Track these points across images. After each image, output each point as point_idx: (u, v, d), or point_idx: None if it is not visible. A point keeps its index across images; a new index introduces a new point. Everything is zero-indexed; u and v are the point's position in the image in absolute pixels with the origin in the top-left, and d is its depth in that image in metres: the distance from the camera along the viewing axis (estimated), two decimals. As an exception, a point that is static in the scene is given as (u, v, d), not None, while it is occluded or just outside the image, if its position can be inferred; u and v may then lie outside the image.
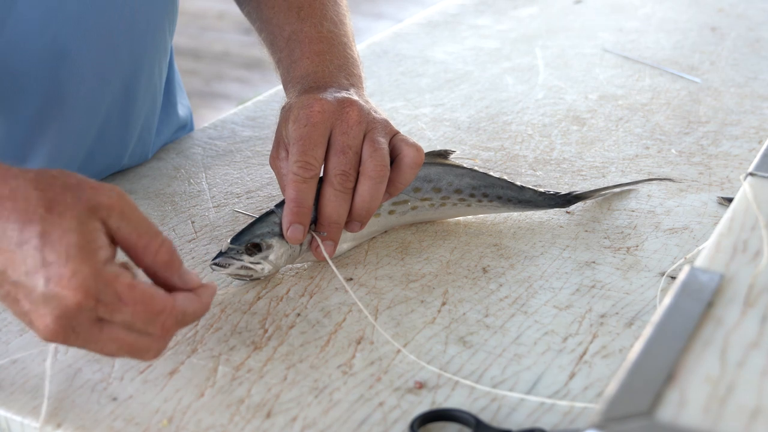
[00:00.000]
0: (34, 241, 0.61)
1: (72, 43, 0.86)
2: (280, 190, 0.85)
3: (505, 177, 0.89)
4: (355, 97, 0.83)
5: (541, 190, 0.90)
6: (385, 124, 0.83)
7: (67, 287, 0.60)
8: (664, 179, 0.96)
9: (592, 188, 0.94)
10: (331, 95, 0.82)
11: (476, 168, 0.89)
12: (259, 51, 1.00)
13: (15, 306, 0.63)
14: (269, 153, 0.86)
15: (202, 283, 0.67)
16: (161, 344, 0.64)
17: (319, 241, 0.80)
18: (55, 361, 0.72)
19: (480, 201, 0.88)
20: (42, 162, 0.90)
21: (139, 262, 0.65)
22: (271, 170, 1.00)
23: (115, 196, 0.64)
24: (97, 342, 0.63)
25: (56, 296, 0.60)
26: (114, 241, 0.64)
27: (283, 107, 0.85)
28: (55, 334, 0.61)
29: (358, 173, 0.80)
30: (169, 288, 0.65)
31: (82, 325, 0.61)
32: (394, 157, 0.82)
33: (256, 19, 0.99)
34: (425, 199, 0.87)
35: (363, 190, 0.80)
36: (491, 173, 0.89)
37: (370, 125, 0.81)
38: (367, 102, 0.85)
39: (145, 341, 0.64)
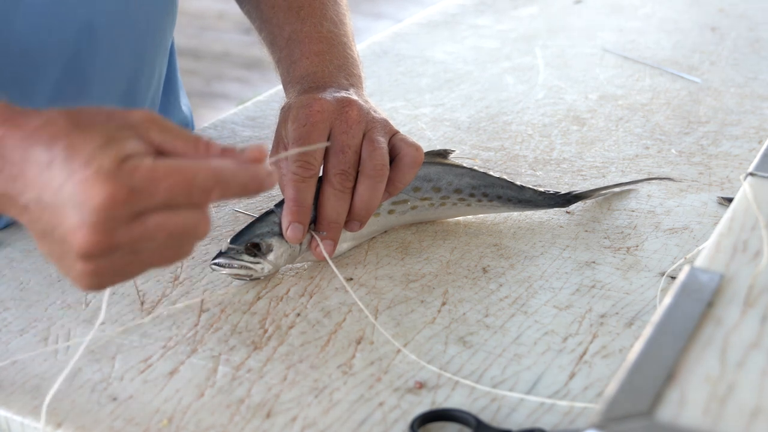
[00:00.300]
0: (61, 154, 0.57)
1: (78, 44, 0.86)
2: (279, 189, 0.86)
3: (505, 177, 0.89)
4: (355, 97, 0.83)
5: (541, 189, 0.90)
6: (385, 124, 0.83)
7: (93, 185, 0.56)
8: (665, 179, 0.96)
9: (592, 188, 0.94)
10: (330, 95, 0.82)
11: (476, 168, 0.89)
12: (259, 50, 1.00)
13: (54, 238, 0.59)
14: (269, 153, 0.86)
15: (260, 151, 0.61)
16: (205, 219, 0.60)
17: (318, 240, 0.80)
18: (55, 361, 0.72)
19: (480, 201, 0.88)
20: None
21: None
22: (271, 170, 1.00)
23: (148, 113, 0.60)
24: (142, 240, 0.58)
25: (86, 199, 0.56)
26: (161, 153, 0.59)
27: (283, 107, 0.85)
28: (96, 243, 0.57)
29: (357, 172, 0.80)
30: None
31: (121, 224, 0.57)
32: (393, 156, 0.82)
33: (256, 18, 0.99)
34: (425, 199, 0.87)
35: (362, 189, 0.80)
36: (491, 173, 0.89)
37: (369, 124, 0.81)
38: (366, 101, 0.85)
39: (192, 216, 0.59)
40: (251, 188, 0.60)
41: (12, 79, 0.85)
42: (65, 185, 0.57)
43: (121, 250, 0.58)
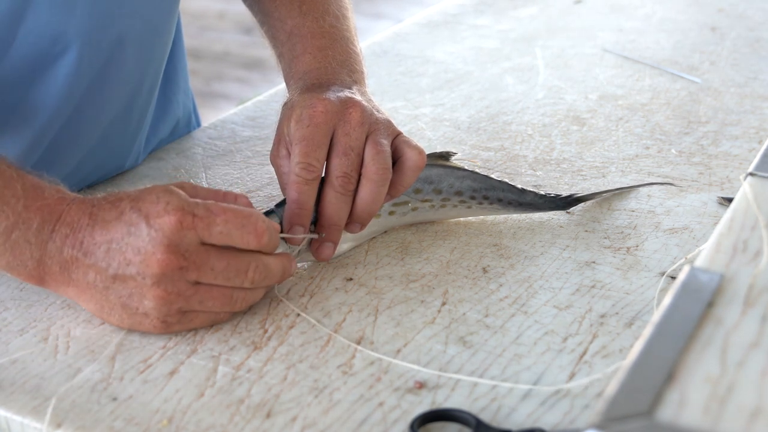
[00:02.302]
0: (129, 205, 0.70)
1: (83, 54, 0.86)
2: (280, 189, 0.85)
3: (506, 179, 0.89)
4: (358, 97, 0.83)
5: (542, 192, 0.90)
6: (388, 125, 0.82)
7: (165, 214, 0.69)
8: (666, 183, 0.96)
9: (593, 188, 0.94)
10: (333, 95, 0.82)
11: (478, 170, 0.89)
12: (259, 50, 1.00)
13: (126, 277, 0.70)
14: (269, 152, 0.86)
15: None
16: (263, 240, 0.72)
17: (307, 239, 0.80)
18: (55, 361, 0.72)
19: (480, 203, 0.88)
20: (40, 165, 0.91)
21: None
22: (271, 170, 1.00)
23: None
24: (205, 264, 0.70)
25: (160, 225, 0.68)
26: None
27: (285, 104, 0.85)
28: (169, 262, 0.69)
29: (359, 174, 0.80)
30: None
31: (189, 248, 0.69)
32: (396, 159, 0.82)
33: (258, 12, 0.98)
34: (426, 201, 0.87)
35: (365, 192, 0.80)
36: (493, 176, 0.89)
37: (372, 126, 0.81)
38: (369, 101, 0.85)
39: (247, 236, 0.71)
40: (276, 246, 0.75)
41: (47, 93, 0.86)
42: (140, 224, 0.69)
43: (192, 266, 0.69)
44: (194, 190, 0.74)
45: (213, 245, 0.71)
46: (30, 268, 0.71)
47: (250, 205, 0.75)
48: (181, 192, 0.71)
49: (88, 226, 0.70)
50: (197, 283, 0.71)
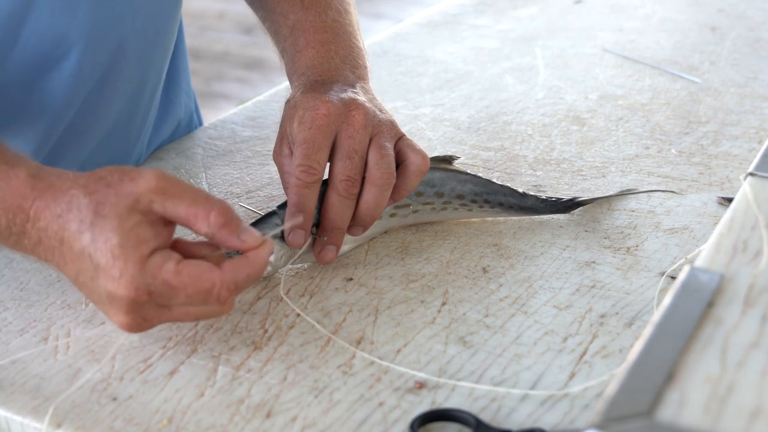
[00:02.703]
0: (88, 248, 0.65)
1: (85, 57, 0.86)
2: (282, 189, 0.85)
3: (507, 181, 0.89)
4: (361, 98, 0.82)
5: (544, 197, 0.90)
6: (391, 127, 0.82)
7: (118, 288, 0.64)
8: (667, 191, 0.95)
9: (593, 188, 0.94)
10: (336, 96, 0.82)
11: (480, 174, 0.89)
12: (260, 50, 1.00)
13: (97, 301, 0.68)
14: (269, 153, 0.86)
15: (258, 243, 0.67)
16: (226, 308, 0.68)
17: (309, 241, 0.80)
18: (55, 361, 0.72)
19: (482, 207, 0.88)
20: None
21: (198, 232, 0.66)
22: (271, 170, 1.00)
23: (153, 179, 0.66)
24: (171, 319, 0.67)
25: (115, 296, 0.65)
26: (168, 222, 0.67)
27: (288, 101, 0.84)
28: (131, 326, 0.67)
29: (363, 178, 0.80)
30: (238, 250, 0.68)
31: (149, 313, 0.66)
32: (399, 162, 0.81)
33: (260, 8, 0.98)
34: (427, 203, 0.87)
35: (368, 196, 0.80)
36: (494, 180, 0.89)
37: (375, 129, 0.81)
38: (372, 99, 0.84)
39: (210, 310, 0.67)
40: (256, 277, 0.68)
41: (49, 94, 0.86)
42: (97, 276, 0.65)
43: (155, 322, 0.68)
44: (163, 207, 0.65)
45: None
46: (26, 253, 0.70)
47: (229, 212, 0.66)
48: (136, 249, 0.64)
49: (57, 248, 0.67)
50: (164, 306, 0.67)
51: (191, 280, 0.65)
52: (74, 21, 0.83)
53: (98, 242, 0.65)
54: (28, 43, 0.82)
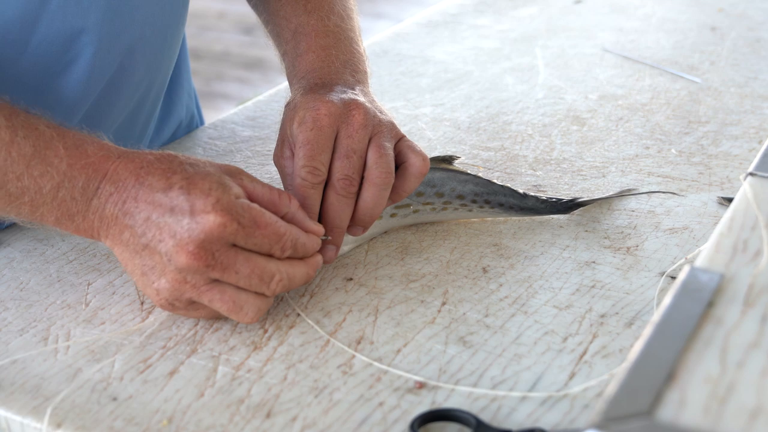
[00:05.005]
0: (180, 183, 0.70)
1: (95, 61, 0.86)
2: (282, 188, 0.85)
3: (508, 181, 0.89)
4: (361, 99, 0.82)
5: (544, 197, 0.90)
6: (391, 127, 0.82)
7: (212, 211, 0.68)
8: (667, 192, 0.95)
9: (593, 188, 0.94)
10: (337, 96, 0.82)
11: (480, 175, 0.89)
12: (260, 50, 1.00)
13: (155, 251, 0.70)
14: (269, 153, 0.86)
15: (321, 230, 0.76)
16: (281, 267, 0.72)
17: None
18: (55, 361, 0.72)
19: (482, 207, 0.88)
20: None
21: (278, 212, 0.73)
22: (271, 171, 1.00)
23: (235, 166, 0.74)
24: (230, 267, 0.69)
25: (202, 221, 0.68)
26: (250, 198, 0.72)
27: (288, 104, 0.84)
28: (198, 256, 0.68)
29: (362, 177, 0.80)
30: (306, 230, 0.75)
31: (221, 249, 0.69)
32: (399, 163, 0.81)
33: (263, 11, 0.98)
34: (427, 204, 0.87)
35: (367, 196, 0.80)
36: (495, 181, 0.89)
37: (375, 129, 0.81)
38: (372, 102, 0.84)
39: (271, 266, 0.71)
40: (311, 248, 0.74)
41: (58, 98, 0.86)
42: (184, 207, 0.69)
43: (217, 265, 0.69)
44: (251, 185, 0.73)
45: (243, 248, 0.71)
46: (77, 222, 0.73)
47: (300, 208, 0.75)
48: (234, 188, 0.71)
49: (134, 187, 0.71)
50: (216, 280, 0.71)
51: (271, 221, 0.71)
52: (85, 25, 0.83)
53: (195, 179, 0.70)
54: (39, 47, 0.82)
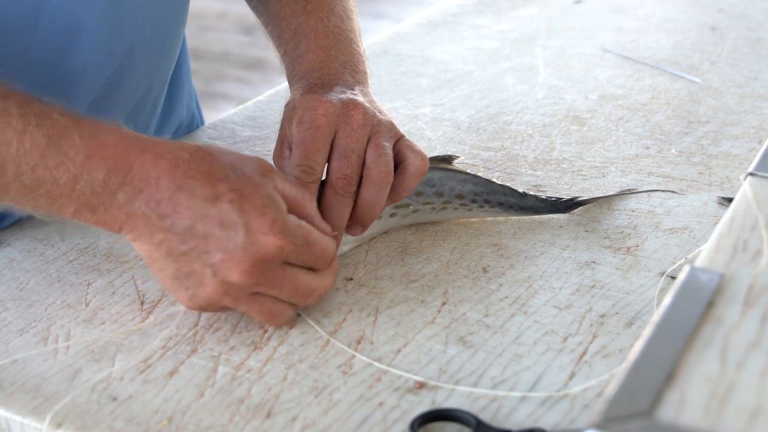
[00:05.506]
0: (228, 195, 0.68)
1: (95, 61, 0.86)
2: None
3: (507, 181, 0.89)
4: (360, 99, 0.82)
5: (543, 197, 0.90)
6: (390, 127, 0.82)
7: (269, 233, 0.68)
8: (667, 191, 0.95)
9: (593, 188, 0.94)
10: (335, 96, 0.82)
11: (480, 174, 0.89)
12: (260, 50, 1.00)
13: (197, 261, 0.68)
14: (269, 153, 0.86)
15: (331, 231, 0.76)
16: (321, 282, 0.73)
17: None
18: (55, 361, 0.72)
19: (481, 207, 0.88)
20: None
21: (301, 211, 0.73)
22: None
23: (261, 161, 0.72)
24: (277, 284, 0.70)
25: (259, 242, 0.68)
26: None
27: (287, 104, 0.85)
28: (251, 276, 0.68)
29: (361, 177, 0.80)
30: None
31: (272, 268, 0.69)
32: (398, 163, 0.81)
33: (263, 12, 0.99)
34: (427, 203, 0.87)
35: (366, 195, 0.80)
36: (494, 180, 0.89)
37: (374, 128, 0.81)
38: (372, 102, 0.84)
39: (313, 282, 0.72)
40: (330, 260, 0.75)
41: (58, 98, 0.86)
42: (236, 223, 0.67)
43: (265, 282, 0.69)
44: (282, 185, 0.72)
45: (291, 264, 0.71)
46: (99, 214, 0.69)
47: (316, 207, 0.75)
48: (282, 204, 0.70)
49: (168, 189, 0.68)
50: (257, 293, 0.71)
51: (319, 238, 0.72)
52: (85, 26, 0.83)
53: (245, 192, 0.68)
54: (40, 47, 0.82)
